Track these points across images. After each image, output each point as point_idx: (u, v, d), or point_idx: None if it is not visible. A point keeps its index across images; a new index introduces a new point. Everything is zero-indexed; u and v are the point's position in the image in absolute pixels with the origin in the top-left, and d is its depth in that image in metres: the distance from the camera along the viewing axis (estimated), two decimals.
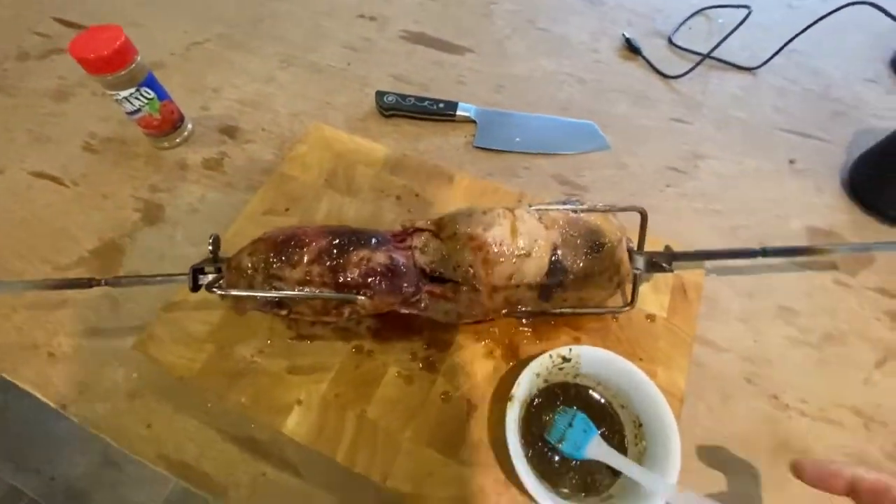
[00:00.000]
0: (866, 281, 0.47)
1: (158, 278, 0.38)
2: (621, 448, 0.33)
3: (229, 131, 0.58)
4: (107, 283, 0.38)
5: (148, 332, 0.41)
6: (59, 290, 0.39)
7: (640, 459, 0.32)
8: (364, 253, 0.33)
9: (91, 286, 0.37)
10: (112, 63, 0.46)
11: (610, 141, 0.57)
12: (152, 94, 0.51)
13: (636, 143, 0.57)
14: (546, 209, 0.37)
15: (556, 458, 0.33)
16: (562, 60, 0.65)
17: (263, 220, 0.47)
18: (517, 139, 0.56)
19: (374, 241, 0.34)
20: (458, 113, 0.57)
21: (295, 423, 0.36)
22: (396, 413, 0.37)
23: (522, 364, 0.35)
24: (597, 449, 0.31)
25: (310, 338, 0.40)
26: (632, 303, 0.40)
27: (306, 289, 0.33)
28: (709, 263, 0.45)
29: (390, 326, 0.40)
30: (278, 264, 0.33)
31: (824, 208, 0.52)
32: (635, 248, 0.40)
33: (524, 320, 0.41)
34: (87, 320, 0.45)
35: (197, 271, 0.37)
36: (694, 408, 0.39)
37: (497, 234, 0.35)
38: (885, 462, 0.38)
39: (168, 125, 0.54)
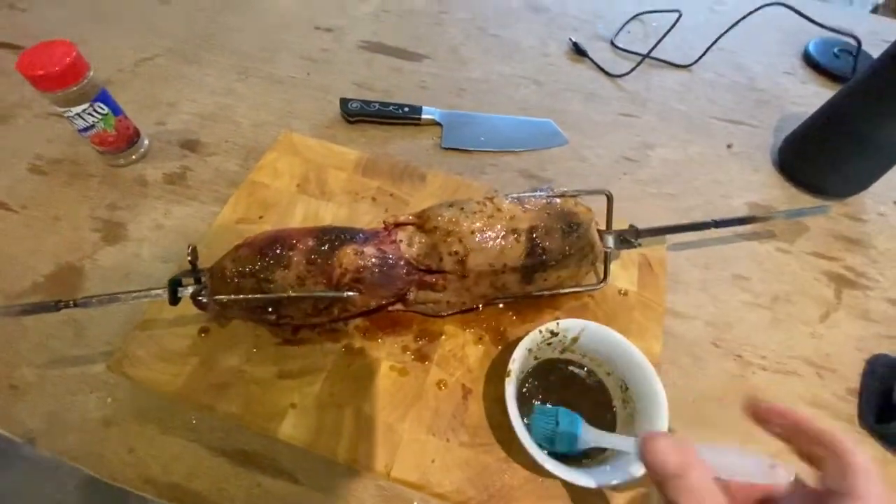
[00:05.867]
0: (803, 247, 0.52)
1: (133, 294, 0.37)
2: (611, 412, 0.35)
3: (190, 145, 0.57)
4: (76, 305, 0.36)
5: (122, 351, 0.39)
6: (23, 315, 0.36)
7: (631, 419, 0.34)
8: (353, 248, 0.34)
9: (58, 309, 0.35)
10: (64, 79, 0.44)
11: (568, 136, 0.60)
12: (106, 110, 0.49)
13: (591, 137, 0.60)
14: (521, 196, 0.39)
15: None
16: (515, 64, 0.68)
17: (237, 228, 0.46)
18: (482, 138, 0.58)
19: (360, 236, 0.35)
20: (424, 116, 0.59)
21: (291, 428, 0.36)
22: (394, 405, 0.37)
23: (511, 346, 0.37)
24: (590, 436, 0.32)
25: (297, 342, 0.40)
26: (605, 279, 0.43)
27: (296, 289, 0.33)
28: (668, 240, 0.49)
29: (379, 325, 0.41)
30: (266, 267, 0.33)
31: (761, 186, 0.57)
32: (604, 229, 0.43)
33: (506, 305, 0.42)
34: (50, 348, 0.42)
35: (175, 284, 0.36)
36: (669, 373, 0.42)
37: (479, 222, 0.36)
38: (839, 404, 0.42)
39: (123, 141, 0.52)
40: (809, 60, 0.71)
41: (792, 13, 0.64)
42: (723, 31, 0.66)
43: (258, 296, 0.33)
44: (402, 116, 0.59)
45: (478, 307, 0.41)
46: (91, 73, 0.47)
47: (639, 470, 0.30)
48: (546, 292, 0.41)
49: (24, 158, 0.54)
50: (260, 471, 0.37)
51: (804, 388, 0.43)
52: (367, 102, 0.59)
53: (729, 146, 0.60)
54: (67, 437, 0.38)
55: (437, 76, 0.66)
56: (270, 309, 0.34)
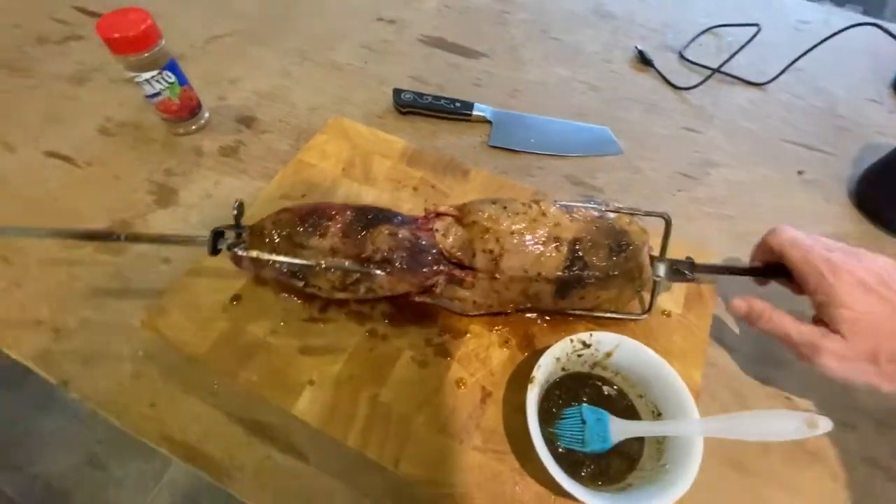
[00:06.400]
0: None
1: (180, 237, 0.38)
2: (640, 439, 0.33)
3: (246, 121, 0.58)
4: (126, 239, 0.37)
5: (157, 308, 0.40)
6: (81, 240, 0.39)
7: (659, 450, 0.32)
8: (388, 228, 0.33)
9: (113, 239, 0.37)
10: (137, 44, 0.47)
11: (623, 146, 0.57)
12: (173, 79, 0.52)
13: (649, 149, 0.58)
14: (570, 204, 0.37)
15: (570, 451, 0.33)
16: (575, 69, 0.66)
17: (280, 203, 0.46)
18: (532, 140, 0.57)
19: (398, 219, 0.34)
20: (475, 113, 0.58)
21: (307, 404, 0.36)
22: (410, 397, 0.36)
23: (538, 353, 0.35)
24: (619, 427, 0.31)
25: (323, 320, 0.40)
26: (649, 310, 0.40)
27: (328, 259, 0.33)
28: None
29: (404, 313, 0.40)
30: (303, 232, 0.33)
31: (833, 218, 0.52)
32: (657, 255, 0.40)
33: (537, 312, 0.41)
34: (94, 299, 0.44)
35: (218, 234, 0.37)
36: (707, 406, 0.39)
37: (519, 223, 0.35)
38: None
39: (186, 111, 0.55)
40: None
41: (884, 35, 0.59)
42: (804, 50, 0.62)
43: (291, 259, 0.33)
44: (453, 111, 0.58)
45: (507, 313, 0.40)
46: (162, 42, 0.49)
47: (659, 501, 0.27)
48: (580, 311, 0.39)
49: (95, 119, 0.58)
50: (272, 444, 0.37)
51: (861, 445, 0.39)
52: (420, 94, 0.58)
53: (800, 172, 0.56)
54: (97, 384, 0.40)
55: (493, 75, 0.65)
56: (300, 275, 0.34)
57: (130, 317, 0.42)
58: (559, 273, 0.35)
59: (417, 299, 0.39)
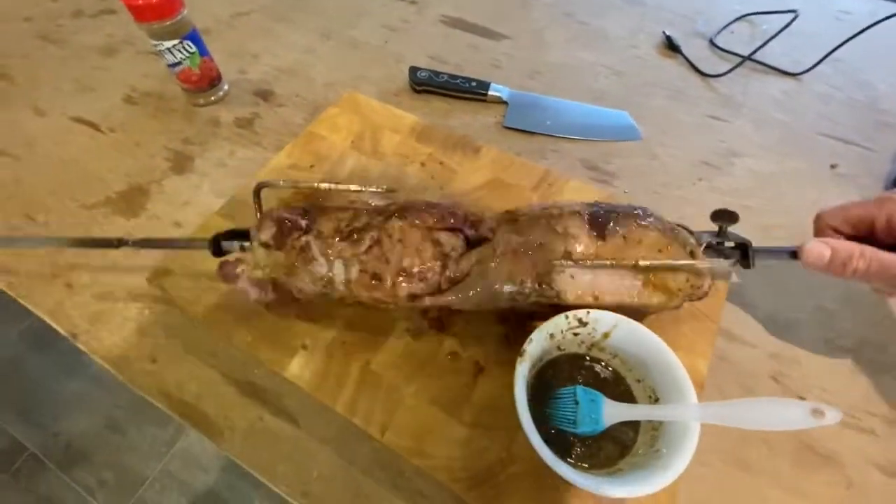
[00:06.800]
0: None
1: (181, 243, 0.39)
2: (636, 422, 0.31)
3: (264, 94, 0.59)
4: (134, 245, 0.38)
5: (163, 267, 0.41)
6: (85, 248, 0.40)
7: (654, 437, 0.30)
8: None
9: (118, 247, 0.38)
10: (160, 11, 0.48)
11: (643, 132, 0.55)
12: (194, 49, 0.52)
13: (670, 136, 0.55)
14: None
15: (562, 432, 0.32)
16: (599, 53, 0.64)
17: (288, 173, 0.47)
18: (548, 122, 0.55)
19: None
20: (490, 93, 0.57)
21: (298, 368, 0.36)
22: (402, 368, 0.36)
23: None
24: (614, 410, 0.29)
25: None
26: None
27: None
28: None
29: None
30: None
31: None
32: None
33: None
34: (106, 256, 0.45)
35: (217, 242, 0.37)
36: (712, 399, 0.37)
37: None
38: None
39: (206, 82, 0.56)
40: None
41: None
42: (843, 40, 0.58)
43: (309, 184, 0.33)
44: (469, 90, 0.57)
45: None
46: (185, 11, 0.50)
47: (649, 488, 0.26)
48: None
49: (121, 89, 0.59)
50: (264, 406, 0.37)
51: (879, 450, 0.36)
52: (436, 73, 0.58)
53: (833, 166, 0.53)
54: (103, 338, 0.41)
55: (513, 56, 0.64)
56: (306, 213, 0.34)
57: (139, 276, 0.43)
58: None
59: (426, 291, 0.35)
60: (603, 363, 0.34)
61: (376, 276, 0.32)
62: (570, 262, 0.32)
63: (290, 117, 0.57)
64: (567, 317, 0.32)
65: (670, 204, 0.49)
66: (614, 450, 0.31)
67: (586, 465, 0.30)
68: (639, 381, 0.33)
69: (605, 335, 0.33)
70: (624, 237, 0.32)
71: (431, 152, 0.49)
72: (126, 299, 0.43)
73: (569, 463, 0.29)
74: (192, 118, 0.57)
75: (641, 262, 0.31)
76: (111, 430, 1.08)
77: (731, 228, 0.35)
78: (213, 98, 0.58)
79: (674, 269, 0.32)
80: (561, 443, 0.31)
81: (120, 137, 0.55)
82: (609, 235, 0.32)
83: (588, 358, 0.34)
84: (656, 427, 0.31)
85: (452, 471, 0.32)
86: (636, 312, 0.33)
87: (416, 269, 0.32)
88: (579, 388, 0.31)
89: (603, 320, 0.32)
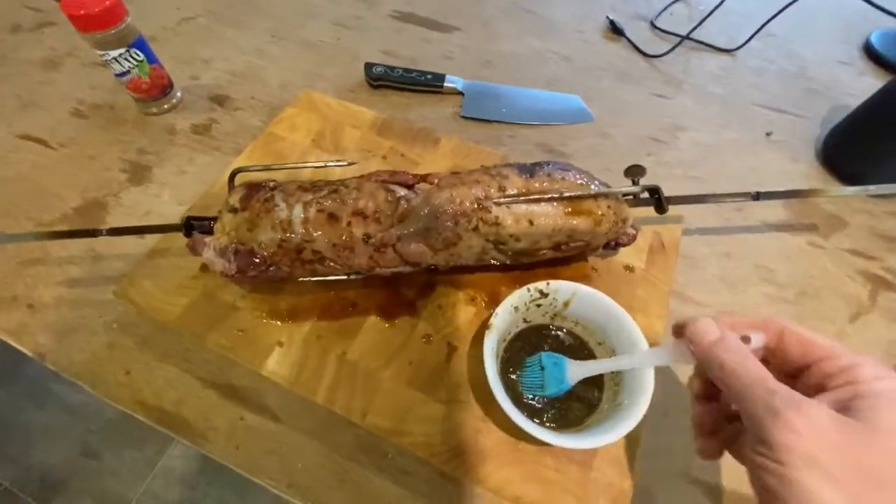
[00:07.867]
0: (840, 243, 0.48)
1: (154, 228, 0.39)
2: (599, 380, 0.34)
3: (219, 99, 0.59)
4: (108, 233, 0.38)
5: (129, 279, 0.41)
6: (60, 239, 0.40)
7: (616, 392, 0.33)
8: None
9: (95, 235, 0.38)
10: (102, 20, 0.47)
11: (594, 114, 0.58)
12: (142, 57, 0.52)
13: (619, 115, 0.58)
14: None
15: (532, 399, 0.34)
16: (547, 40, 0.67)
17: (249, 175, 0.47)
18: (503, 110, 0.57)
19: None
20: (446, 84, 0.58)
21: (275, 364, 0.36)
22: (377, 354, 0.37)
23: None
24: (577, 369, 0.31)
25: (291, 284, 0.40)
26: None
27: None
28: (687, 222, 0.46)
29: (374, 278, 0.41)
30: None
31: (799, 177, 0.53)
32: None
33: (503, 271, 0.41)
34: (68, 273, 0.44)
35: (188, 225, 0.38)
36: None
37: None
38: None
39: (157, 90, 0.55)
40: (871, 52, 0.65)
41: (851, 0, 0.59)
42: (772, 14, 0.62)
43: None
44: (425, 84, 0.58)
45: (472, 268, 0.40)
46: (129, 19, 0.49)
47: (613, 437, 0.28)
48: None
49: (68, 102, 0.58)
50: (244, 405, 0.38)
51: None
52: (391, 68, 0.59)
53: (768, 134, 0.57)
54: (73, 356, 0.40)
55: (465, 48, 0.65)
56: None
57: (104, 290, 0.42)
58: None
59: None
60: (566, 330, 0.36)
61: (333, 217, 0.34)
62: (506, 197, 0.34)
63: (247, 120, 0.56)
64: (529, 289, 0.33)
65: (624, 180, 0.52)
66: (582, 409, 0.33)
67: (557, 427, 0.32)
68: (600, 343, 0.35)
69: (566, 304, 0.35)
70: (549, 175, 0.35)
71: (392, 145, 0.50)
72: (92, 315, 0.42)
73: (541, 426, 0.31)
74: (146, 127, 0.56)
75: (566, 193, 0.34)
76: (87, 457, 1.05)
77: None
78: (166, 106, 0.57)
79: (595, 196, 0.36)
80: (532, 410, 0.33)
81: (71, 152, 0.53)
82: (536, 177, 0.35)
83: (552, 327, 0.36)
84: (617, 382, 0.33)
85: (432, 446, 0.33)
86: (579, 249, 0.37)
87: (370, 211, 0.35)
88: (543, 354, 0.33)
89: (562, 290, 0.34)
